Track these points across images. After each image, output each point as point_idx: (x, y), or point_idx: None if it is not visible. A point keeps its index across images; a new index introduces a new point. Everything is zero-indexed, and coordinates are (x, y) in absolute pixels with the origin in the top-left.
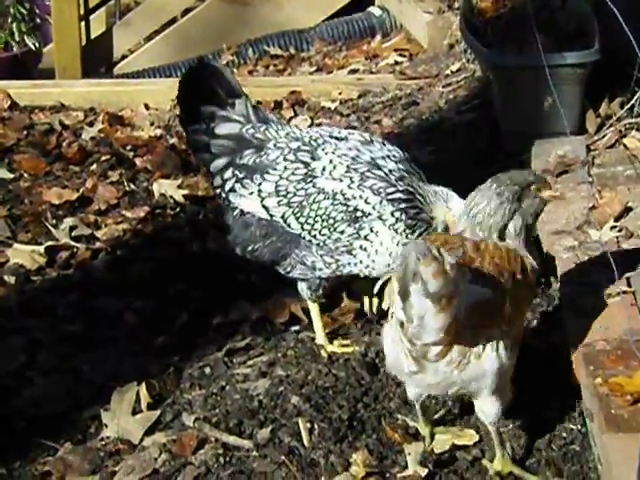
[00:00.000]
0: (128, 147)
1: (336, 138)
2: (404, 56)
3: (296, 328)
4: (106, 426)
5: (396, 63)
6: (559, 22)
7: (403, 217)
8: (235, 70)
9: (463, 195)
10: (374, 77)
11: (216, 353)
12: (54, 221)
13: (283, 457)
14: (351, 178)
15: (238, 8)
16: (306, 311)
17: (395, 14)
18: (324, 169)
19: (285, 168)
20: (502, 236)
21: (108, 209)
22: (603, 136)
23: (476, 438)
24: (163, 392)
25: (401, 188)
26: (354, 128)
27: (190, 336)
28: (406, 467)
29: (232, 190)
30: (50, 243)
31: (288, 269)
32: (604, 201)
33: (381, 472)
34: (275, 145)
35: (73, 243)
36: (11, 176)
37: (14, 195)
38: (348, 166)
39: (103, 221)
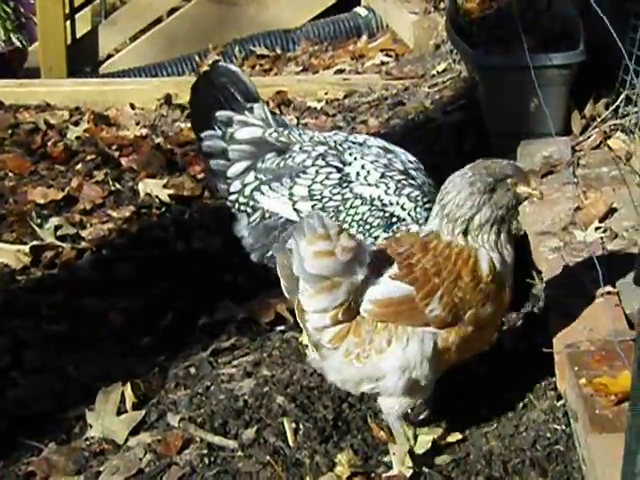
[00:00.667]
0: (113, 147)
1: (358, 144)
2: (390, 56)
3: (281, 328)
4: (91, 426)
5: (382, 63)
6: (544, 23)
7: None
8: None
9: None
10: (360, 77)
11: (201, 353)
12: (39, 220)
13: (268, 457)
14: (387, 185)
15: (224, 8)
16: (292, 311)
17: (381, 14)
18: (358, 174)
19: (317, 172)
20: (467, 229)
21: (93, 209)
22: (588, 137)
23: (459, 437)
24: (148, 392)
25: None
26: (340, 128)
27: (175, 336)
28: (391, 467)
29: (258, 191)
30: (35, 243)
31: None
32: (589, 202)
33: (366, 472)
34: (301, 149)
35: (58, 243)
36: None
37: None
38: (383, 173)
39: (88, 221)
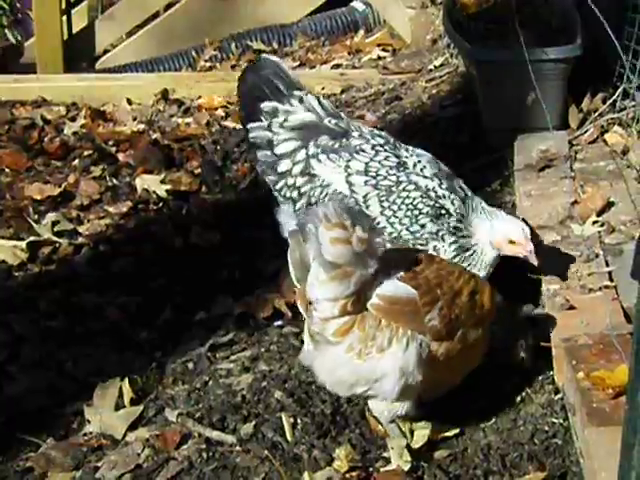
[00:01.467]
0: (110, 142)
1: (411, 148)
2: (387, 51)
3: (279, 323)
4: (89, 421)
5: (379, 58)
6: (542, 17)
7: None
8: (218, 65)
9: None
10: (357, 72)
11: (199, 348)
12: (36, 216)
13: (266, 452)
14: (441, 180)
15: (221, 2)
16: (290, 306)
17: (378, 9)
18: (415, 165)
19: (377, 153)
20: None
21: (90, 204)
22: (585, 131)
23: (457, 431)
24: (146, 387)
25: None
26: None
27: (173, 331)
28: (389, 462)
29: (315, 158)
30: (32, 238)
31: None
32: (586, 196)
33: (364, 467)
34: (360, 135)
35: (55, 238)
36: None
37: None
38: (436, 172)
39: (85, 216)
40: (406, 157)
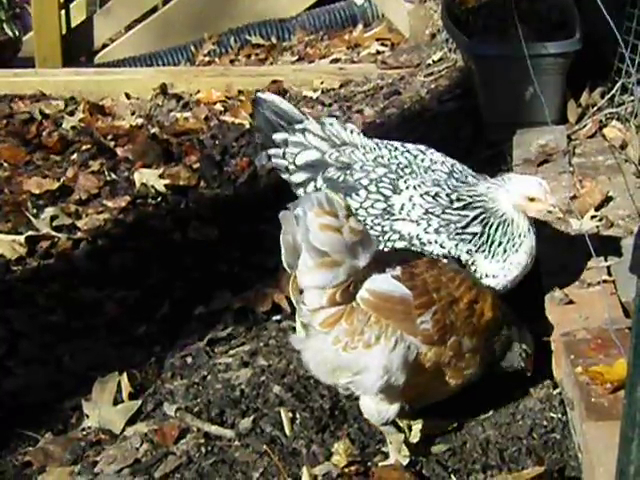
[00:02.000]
0: (109, 136)
1: (424, 168)
2: (386, 45)
3: (278, 317)
4: (87, 416)
5: (378, 52)
6: (540, 12)
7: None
8: (217, 59)
9: None
10: (356, 67)
11: (198, 343)
12: (35, 211)
13: (265, 446)
14: (428, 222)
15: None
16: (289, 300)
17: (377, 3)
18: (402, 207)
19: (367, 198)
20: None
21: (89, 199)
22: (584, 126)
23: (455, 426)
24: (144, 382)
25: (473, 222)
26: (336, 117)
27: (172, 326)
28: (387, 456)
29: None
30: (31, 233)
31: None
32: (585, 191)
33: (363, 461)
34: (361, 167)
35: (54, 233)
36: None
37: None
38: (427, 210)
39: (84, 211)
40: (400, 192)
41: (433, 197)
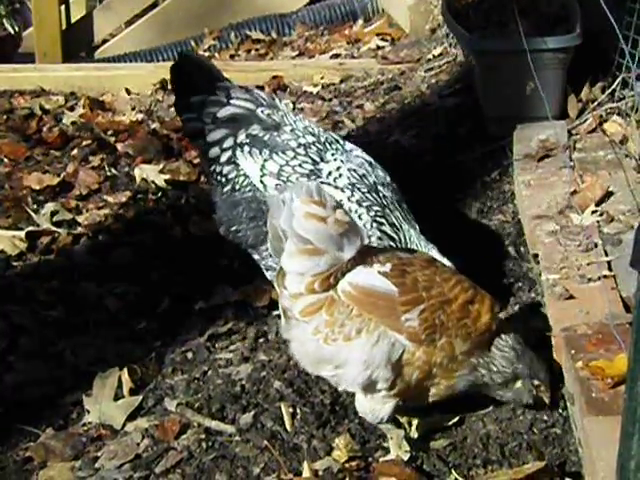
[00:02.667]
0: (109, 132)
1: (345, 150)
2: (386, 40)
3: (278, 312)
4: (88, 411)
5: (378, 48)
6: (541, 6)
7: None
8: (217, 54)
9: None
10: (356, 62)
11: (198, 338)
12: (35, 206)
13: (266, 442)
14: (352, 192)
15: None
16: None
17: None
18: (330, 174)
19: (295, 157)
20: None
21: (89, 194)
22: (584, 121)
23: (455, 421)
24: (145, 377)
25: (390, 221)
26: (336, 113)
27: (172, 321)
28: (388, 451)
29: (239, 149)
30: (31, 228)
31: (263, 255)
32: (585, 186)
33: (363, 456)
34: (292, 130)
35: (54, 228)
36: None
37: None
38: (353, 183)
39: (84, 206)
40: (327, 162)
41: (360, 176)
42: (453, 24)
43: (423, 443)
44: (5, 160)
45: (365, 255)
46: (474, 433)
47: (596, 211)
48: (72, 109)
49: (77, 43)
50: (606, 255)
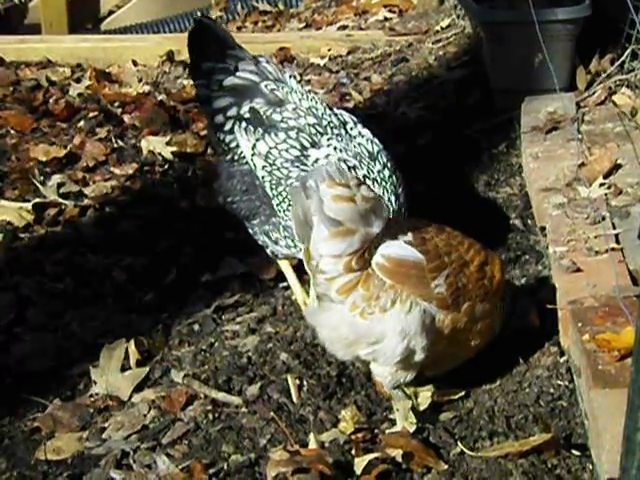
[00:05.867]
0: (116, 104)
1: (350, 136)
2: (394, 12)
3: (284, 285)
4: (95, 383)
5: (385, 19)
6: None
7: None
8: (224, 26)
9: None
10: (363, 33)
11: (205, 310)
12: (41, 178)
13: (272, 413)
14: None
15: None
16: (294, 268)
17: None
18: (317, 161)
19: (284, 140)
20: None
21: (96, 166)
22: (593, 93)
23: (462, 394)
24: (152, 349)
25: None
26: (343, 85)
27: (179, 293)
28: (395, 423)
29: (238, 123)
30: (38, 200)
31: (255, 230)
32: (593, 158)
33: (370, 428)
34: (294, 109)
35: (61, 200)
36: None
37: (1, 152)
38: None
39: (91, 178)
40: (319, 147)
41: (349, 168)
42: None
43: (429, 415)
44: (12, 132)
45: (388, 227)
46: (480, 405)
47: (604, 184)
48: (78, 81)
49: (83, 14)
50: (614, 228)
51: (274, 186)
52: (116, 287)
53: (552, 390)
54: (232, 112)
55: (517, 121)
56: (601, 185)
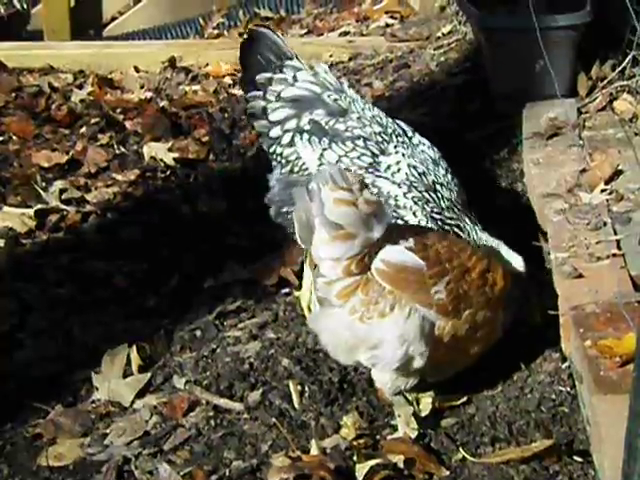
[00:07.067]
0: (118, 110)
1: (412, 144)
2: (395, 18)
3: (286, 291)
4: (97, 389)
5: (387, 25)
6: None
7: None
8: (226, 32)
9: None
10: (365, 39)
11: (207, 316)
12: (44, 184)
13: (274, 419)
14: (409, 189)
15: None
16: (296, 274)
17: None
18: (389, 167)
19: (354, 148)
20: None
21: (98, 172)
22: (594, 99)
23: (464, 400)
24: (154, 355)
25: (448, 220)
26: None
27: (181, 299)
28: (396, 429)
29: (299, 135)
30: (40, 206)
31: None
32: (595, 164)
33: (371, 434)
34: (359, 118)
35: (63, 206)
36: (0, 139)
37: (3, 158)
38: (411, 182)
39: (93, 184)
40: (388, 154)
41: (419, 174)
42: (462, 1)
43: (431, 421)
44: (14, 138)
45: (390, 232)
46: (482, 411)
47: (605, 189)
48: (81, 87)
49: (86, 21)
50: (615, 234)
51: None
52: (118, 293)
53: (554, 396)
54: (291, 124)
55: (518, 127)
56: (602, 191)
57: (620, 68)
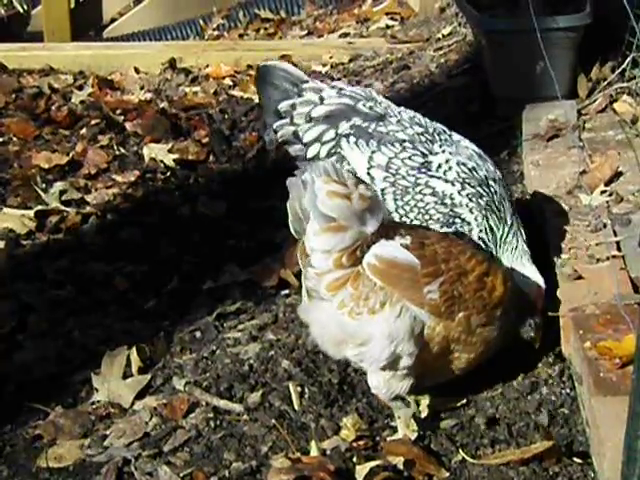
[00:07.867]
0: (118, 111)
1: (453, 141)
2: (395, 20)
3: (286, 292)
4: (97, 390)
5: (387, 27)
6: None
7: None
8: (226, 34)
9: None
10: (365, 41)
11: (207, 317)
12: (44, 185)
13: (273, 421)
14: (463, 185)
15: None
16: (296, 275)
17: None
18: (440, 166)
19: (403, 149)
20: None
21: (98, 173)
22: (594, 100)
23: (464, 401)
24: (154, 356)
25: (498, 215)
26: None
27: (181, 300)
28: (396, 431)
29: (345, 139)
30: (40, 207)
31: None
32: (595, 166)
33: (371, 436)
34: (398, 121)
35: (63, 207)
36: (0, 140)
37: (3, 159)
38: (464, 178)
39: (93, 185)
40: (435, 153)
41: (470, 170)
42: (462, 3)
43: (431, 423)
44: (14, 139)
45: (386, 228)
46: (482, 413)
47: (605, 191)
48: (81, 88)
49: (86, 22)
50: (615, 235)
51: (399, 196)
52: (118, 294)
53: (553, 398)
54: (330, 135)
55: (518, 128)
56: (602, 193)
57: (620, 70)
